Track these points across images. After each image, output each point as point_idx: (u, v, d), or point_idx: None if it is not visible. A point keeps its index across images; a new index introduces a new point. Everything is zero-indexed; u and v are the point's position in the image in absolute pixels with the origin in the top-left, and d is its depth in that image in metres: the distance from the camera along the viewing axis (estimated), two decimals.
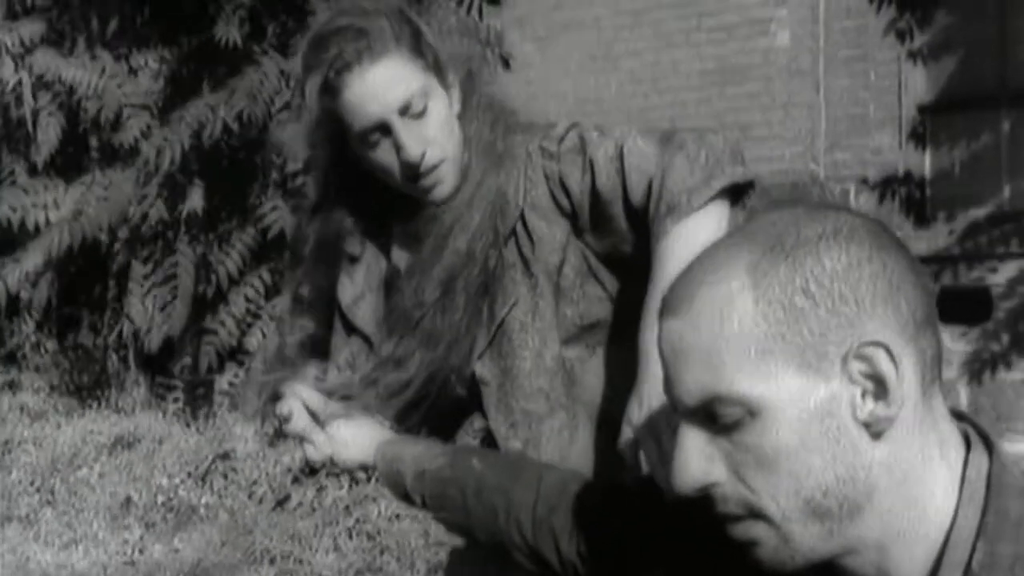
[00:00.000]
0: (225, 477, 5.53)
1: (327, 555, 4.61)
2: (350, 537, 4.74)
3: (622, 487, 1.42)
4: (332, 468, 1.69)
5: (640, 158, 1.60)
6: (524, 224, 1.70)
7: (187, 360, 6.94)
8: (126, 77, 6.97)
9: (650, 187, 1.58)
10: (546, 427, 1.72)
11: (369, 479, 4.91)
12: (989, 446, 0.97)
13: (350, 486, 5.04)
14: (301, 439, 1.69)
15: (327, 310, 1.85)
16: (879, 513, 0.93)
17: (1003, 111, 6.64)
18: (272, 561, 4.61)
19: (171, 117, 6.55)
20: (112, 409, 7.09)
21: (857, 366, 0.92)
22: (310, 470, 4.37)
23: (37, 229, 6.89)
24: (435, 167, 1.67)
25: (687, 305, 0.96)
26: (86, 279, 7.51)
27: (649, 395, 1.49)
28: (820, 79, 7.08)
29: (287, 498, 5.20)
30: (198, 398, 6.80)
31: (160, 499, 5.31)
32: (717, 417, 0.94)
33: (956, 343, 6.31)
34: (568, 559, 1.35)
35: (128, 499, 5.33)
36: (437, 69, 1.68)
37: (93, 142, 7.17)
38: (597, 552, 1.32)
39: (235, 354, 6.65)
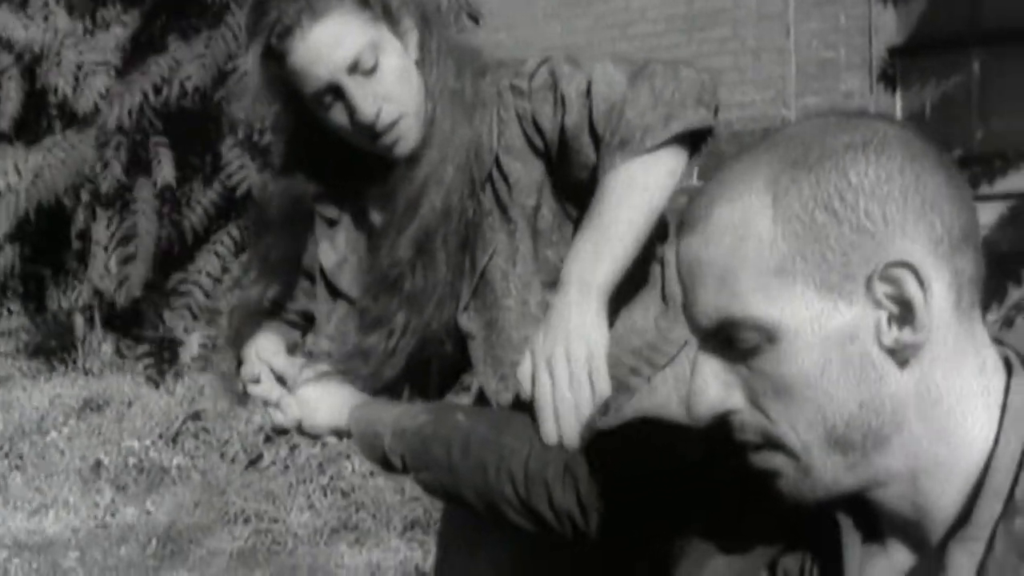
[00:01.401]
0: (196, 437, 5.48)
1: (302, 513, 4.58)
2: (324, 495, 4.71)
3: (614, 431, 1.36)
4: (301, 434, 1.63)
5: (607, 86, 1.54)
6: (499, 167, 1.64)
7: (155, 320, 6.86)
8: (83, 37, 6.81)
9: (611, 114, 1.52)
10: None
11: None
12: None
13: (323, 444, 4.99)
14: (267, 404, 1.63)
15: (293, 276, 1.80)
16: (907, 444, 0.87)
17: (973, 52, 6.60)
18: (246, 521, 4.57)
19: (131, 75, 6.41)
20: (80, 372, 7.03)
21: (882, 288, 0.85)
22: (282, 429, 4.32)
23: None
24: (394, 123, 1.60)
25: (704, 223, 0.90)
26: (50, 240, 7.41)
27: (555, 327, 1.43)
28: (790, 23, 7.01)
29: (260, 457, 5.16)
30: (166, 359, 6.72)
31: (131, 461, 5.27)
32: (734, 342, 0.89)
33: None
34: (563, 509, 1.28)
35: (98, 462, 5.29)
36: (388, 17, 1.60)
37: (53, 108, 7.01)
38: (597, 496, 1.25)
39: (205, 313, 6.57)
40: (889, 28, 6.83)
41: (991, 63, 6.54)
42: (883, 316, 0.86)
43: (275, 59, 1.58)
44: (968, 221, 0.88)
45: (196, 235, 6.60)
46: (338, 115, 1.61)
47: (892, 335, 0.85)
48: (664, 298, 1.71)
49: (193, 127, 6.56)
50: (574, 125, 1.56)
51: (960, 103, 6.63)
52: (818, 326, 0.86)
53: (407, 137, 1.63)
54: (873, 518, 0.94)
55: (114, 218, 6.78)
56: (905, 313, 0.85)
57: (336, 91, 1.58)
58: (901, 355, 0.86)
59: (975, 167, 6.34)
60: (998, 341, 0.94)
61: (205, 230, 6.62)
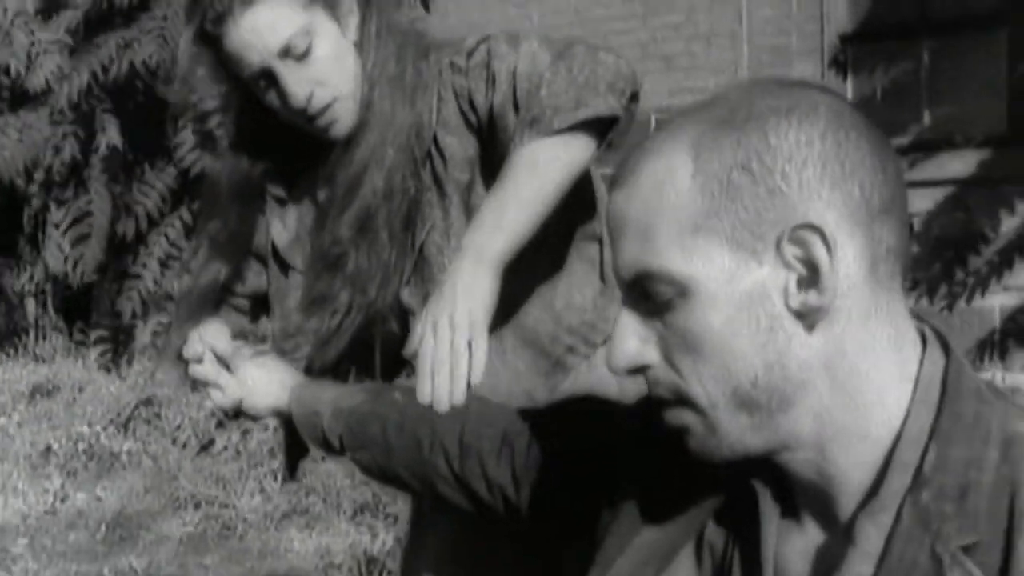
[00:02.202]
0: (148, 423, 5.45)
1: (252, 498, 4.57)
2: (275, 479, 4.70)
3: (553, 408, 1.37)
4: (242, 415, 1.63)
5: (531, 65, 1.56)
6: (436, 143, 1.66)
7: (107, 305, 6.79)
8: (34, 17, 6.73)
9: (530, 92, 1.54)
10: None
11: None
12: (946, 347, 0.92)
13: (275, 429, 4.98)
14: (207, 384, 1.63)
15: (242, 257, 1.80)
16: (814, 409, 0.88)
17: (923, 40, 6.66)
18: (197, 506, 4.56)
19: (80, 53, 6.35)
20: (31, 357, 6.96)
21: (791, 250, 0.86)
22: (234, 413, 4.32)
23: None
24: (327, 107, 1.63)
25: (631, 177, 0.92)
26: (4, 224, 7.32)
27: (446, 293, 1.44)
28: (743, 9, 7.04)
29: (211, 442, 5.14)
30: (119, 344, 6.67)
31: (81, 447, 5.23)
32: (650, 295, 0.90)
33: None
34: (496, 483, 1.29)
35: (48, 448, 5.24)
36: (325, 0, 1.62)
37: (5, 90, 6.92)
38: (532, 471, 1.26)
39: (157, 298, 6.51)
40: (841, 16, 6.88)
41: (940, 51, 6.61)
42: (792, 278, 0.87)
43: (209, 45, 1.61)
44: (892, 193, 0.89)
45: (150, 219, 6.53)
46: (273, 98, 1.63)
47: (799, 297, 0.87)
48: (602, 277, 1.72)
49: (146, 108, 6.49)
50: (500, 104, 1.58)
51: (910, 90, 6.68)
52: (729, 284, 0.87)
53: (342, 120, 1.64)
54: (789, 492, 0.95)
55: (68, 198, 6.70)
56: (812, 275, 0.86)
57: (269, 75, 1.60)
58: (809, 318, 0.87)
59: (924, 153, 6.41)
60: (917, 316, 0.95)
61: (160, 214, 6.56)
